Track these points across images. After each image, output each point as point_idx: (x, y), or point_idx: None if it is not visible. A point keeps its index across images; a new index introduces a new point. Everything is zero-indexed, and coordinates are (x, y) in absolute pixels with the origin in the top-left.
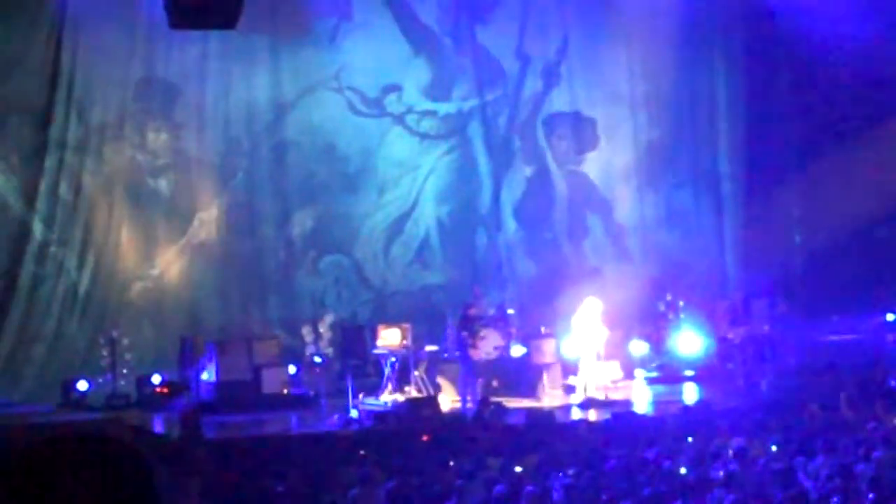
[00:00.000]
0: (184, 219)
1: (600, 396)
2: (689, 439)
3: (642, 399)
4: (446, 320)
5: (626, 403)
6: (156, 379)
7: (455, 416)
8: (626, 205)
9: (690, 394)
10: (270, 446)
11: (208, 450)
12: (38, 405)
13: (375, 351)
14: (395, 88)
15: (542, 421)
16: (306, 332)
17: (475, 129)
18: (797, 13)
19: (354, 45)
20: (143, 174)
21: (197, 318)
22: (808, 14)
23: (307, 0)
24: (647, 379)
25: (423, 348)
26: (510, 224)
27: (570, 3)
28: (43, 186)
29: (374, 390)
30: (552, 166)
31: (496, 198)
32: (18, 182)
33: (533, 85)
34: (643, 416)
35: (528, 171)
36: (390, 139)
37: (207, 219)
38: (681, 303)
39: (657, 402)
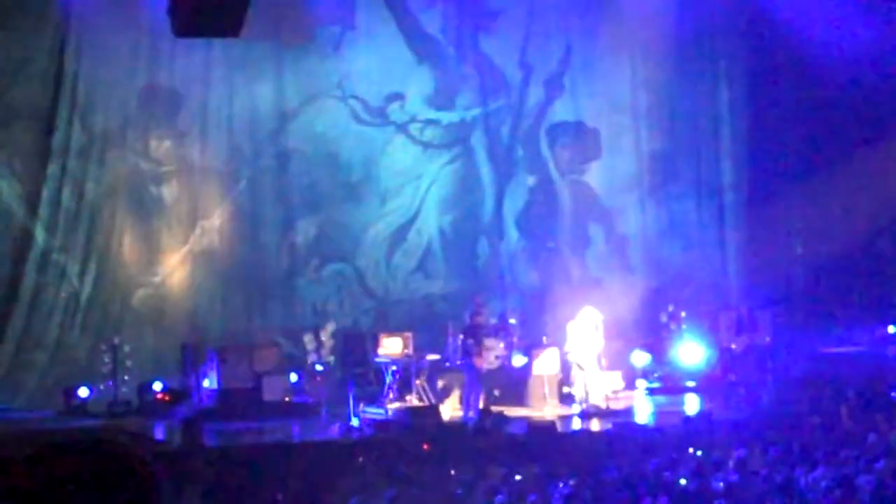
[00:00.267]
0: (186, 226)
1: (600, 405)
2: (691, 450)
3: (643, 409)
4: (448, 329)
5: (628, 414)
6: (157, 386)
7: (456, 426)
8: (629, 215)
9: (692, 404)
10: (271, 454)
11: (209, 457)
12: (40, 412)
13: (377, 359)
14: (399, 97)
15: (543, 431)
16: (308, 340)
17: (478, 139)
18: (800, 24)
19: (358, 53)
20: (146, 181)
21: (199, 326)
22: (811, 25)
23: (311, 8)
24: (648, 389)
25: (424, 357)
26: (512, 233)
27: (573, 13)
28: (45, 193)
29: (376, 399)
30: (555, 176)
31: (498, 207)
32: (21, 188)
33: (536, 94)
34: (644, 427)
35: (530, 180)
36: (393, 148)
37: (210, 226)
38: (682, 313)
39: (658, 413)
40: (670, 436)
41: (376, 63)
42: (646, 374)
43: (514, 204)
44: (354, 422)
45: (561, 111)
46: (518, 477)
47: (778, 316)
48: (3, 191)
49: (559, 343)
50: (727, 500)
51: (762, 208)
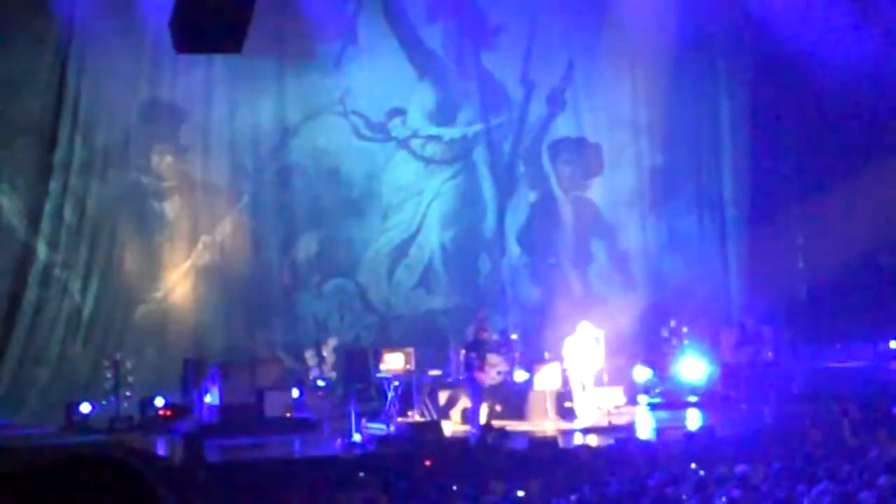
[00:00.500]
0: (188, 242)
1: (598, 421)
2: (692, 465)
3: (645, 425)
4: (449, 344)
5: (629, 429)
6: (159, 402)
7: (458, 441)
8: (630, 230)
9: (693, 420)
10: (273, 470)
11: (211, 473)
12: (41, 427)
13: (379, 375)
14: (400, 113)
15: (545, 446)
16: (310, 355)
17: (480, 155)
18: (801, 40)
19: (359, 69)
20: (148, 197)
21: (200, 341)
22: (812, 41)
23: (312, 24)
24: (650, 405)
25: (426, 372)
26: (514, 249)
27: (574, 28)
28: (47, 208)
29: (378, 414)
30: (557, 192)
31: (500, 223)
32: (23, 204)
33: (538, 110)
34: (646, 442)
35: (532, 196)
36: (395, 164)
37: (211, 242)
38: (684, 329)
39: (660, 428)
40: (672, 451)
41: (378, 79)
42: (647, 390)
43: (515, 219)
44: (356, 437)
45: (563, 127)
46: (520, 493)
47: (779, 331)
48: (5, 206)
49: (561, 358)
50: None
51: (763, 223)
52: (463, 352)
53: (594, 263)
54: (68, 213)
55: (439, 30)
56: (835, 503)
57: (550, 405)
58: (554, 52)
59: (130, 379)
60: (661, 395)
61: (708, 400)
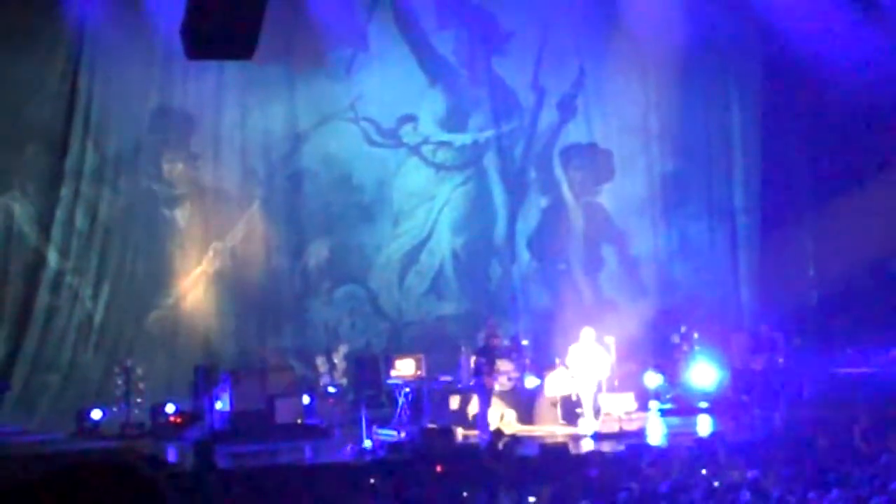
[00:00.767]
0: (199, 248)
1: (608, 427)
2: (703, 472)
3: (656, 431)
4: (460, 350)
5: (640, 435)
6: (170, 408)
7: (469, 447)
8: (641, 236)
9: (704, 426)
10: (284, 476)
11: (221, 479)
12: (53, 434)
13: (389, 381)
14: (411, 119)
15: (556, 452)
16: (320, 362)
17: (490, 161)
18: (813, 47)
19: (370, 75)
20: (159, 204)
21: (211, 348)
22: (824, 48)
23: (323, 31)
24: (661, 411)
25: (437, 378)
26: (524, 255)
27: (585, 35)
28: (58, 215)
29: (388, 421)
30: (568, 198)
31: (511, 229)
32: (34, 211)
33: (549, 116)
34: (657, 448)
35: (543, 202)
36: (406, 170)
37: (222, 248)
38: (695, 335)
39: (671, 434)
40: (683, 457)
41: (388, 85)
42: (658, 396)
43: (526, 226)
44: (367, 444)
45: (575, 133)
46: (531, 499)
47: (790, 337)
48: (16, 213)
49: (567, 365)
50: None
51: (774, 230)
52: (473, 357)
53: (605, 269)
54: (79, 220)
55: (450, 36)
56: None
57: (561, 411)
58: (565, 59)
59: (141, 385)
60: (671, 401)
61: (719, 406)
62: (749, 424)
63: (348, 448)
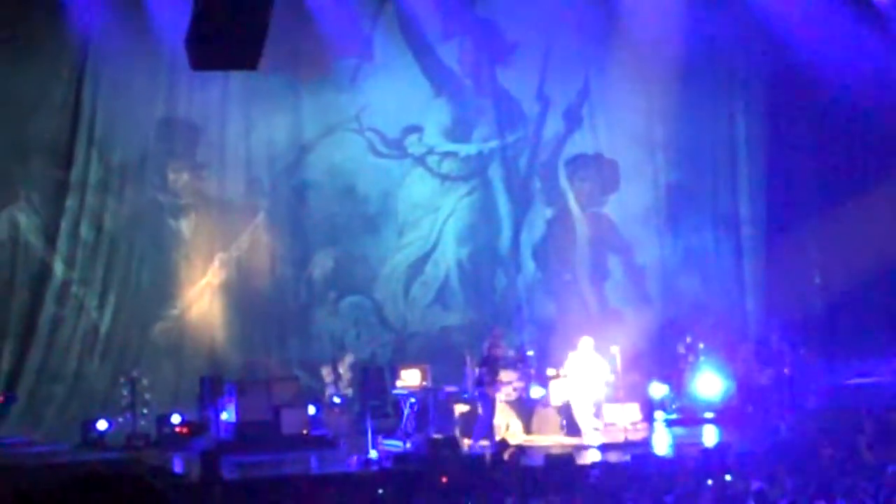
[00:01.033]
0: (204, 259)
1: (609, 436)
2: (709, 482)
3: (662, 441)
4: (465, 361)
5: (646, 445)
6: (175, 419)
7: (474, 458)
8: (647, 246)
9: (710, 436)
10: (289, 487)
11: (227, 490)
12: (58, 444)
13: (395, 391)
14: (416, 129)
15: (561, 462)
16: (326, 372)
17: (495, 171)
18: (818, 56)
19: (375, 85)
20: (165, 214)
21: (217, 359)
22: (828, 57)
23: (328, 41)
24: (666, 421)
25: (442, 389)
26: (529, 265)
27: (590, 45)
28: (64, 226)
29: (394, 431)
30: (573, 208)
31: (516, 239)
32: (40, 221)
33: (554, 127)
34: (662, 459)
35: (548, 212)
36: (411, 180)
37: (228, 259)
38: (701, 345)
39: (677, 445)
40: (689, 467)
41: (393, 95)
42: (664, 406)
43: (531, 236)
44: (372, 454)
45: (580, 143)
46: None
47: (796, 347)
48: (22, 224)
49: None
50: None
51: (780, 239)
52: (476, 368)
53: (610, 279)
54: (85, 231)
55: (455, 46)
56: None
57: (566, 421)
58: (570, 69)
59: (147, 396)
60: (677, 411)
61: (724, 416)
62: (755, 435)
63: (354, 458)
